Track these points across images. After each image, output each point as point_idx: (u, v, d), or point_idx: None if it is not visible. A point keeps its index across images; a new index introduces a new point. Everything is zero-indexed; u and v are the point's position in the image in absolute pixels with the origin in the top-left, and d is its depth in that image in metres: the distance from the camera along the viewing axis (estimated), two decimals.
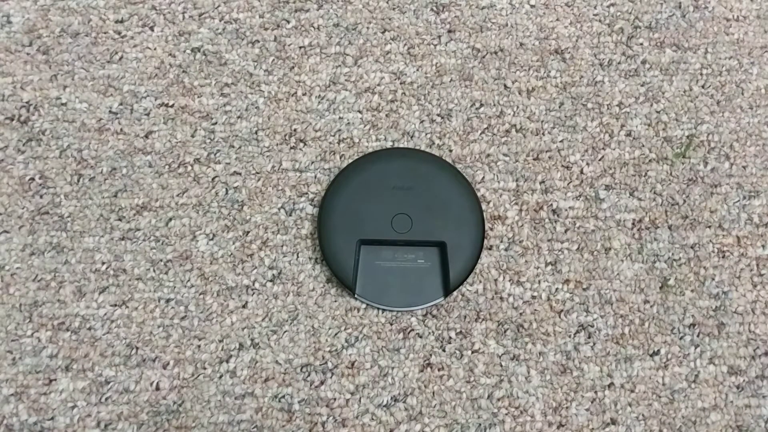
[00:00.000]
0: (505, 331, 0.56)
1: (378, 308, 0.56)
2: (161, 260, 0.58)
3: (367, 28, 0.65)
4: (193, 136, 0.61)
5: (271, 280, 0.57)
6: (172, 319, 0.56)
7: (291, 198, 0.59)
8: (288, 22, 0.65)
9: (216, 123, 0.62)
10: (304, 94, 0.63)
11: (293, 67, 0.64)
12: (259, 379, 0.54)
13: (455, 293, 0.56)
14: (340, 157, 0.61)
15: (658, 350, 0.55)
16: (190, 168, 0.60)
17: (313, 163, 0.60)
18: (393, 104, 0.62)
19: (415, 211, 0.57)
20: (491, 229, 0.58)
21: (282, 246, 0.58)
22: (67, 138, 0.61)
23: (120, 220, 0.59)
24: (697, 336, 0.55)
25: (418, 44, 0.64)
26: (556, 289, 0.57)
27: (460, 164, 0.60)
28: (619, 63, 0.64)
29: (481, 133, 0.61)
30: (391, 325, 0.56)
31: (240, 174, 0.60)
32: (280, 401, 0.54)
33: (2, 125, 0.62)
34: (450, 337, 0.55)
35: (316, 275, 0.57)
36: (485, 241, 0.57)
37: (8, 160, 0.61)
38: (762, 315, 0.56)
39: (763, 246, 0.58)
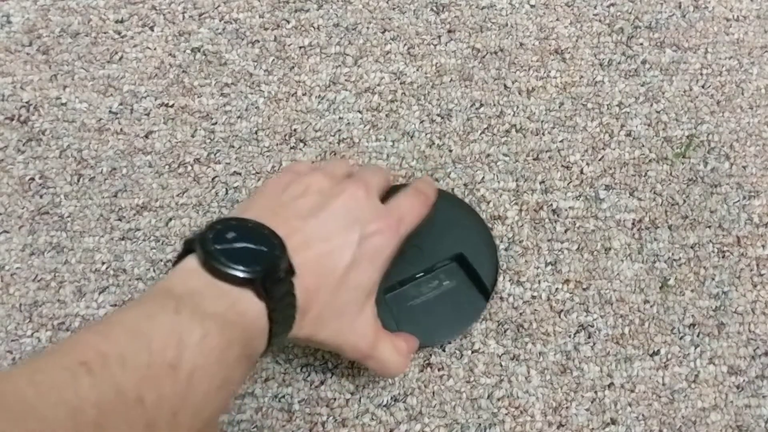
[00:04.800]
0: (505, 331, 0.55)
1: (431, 347, 0.54)
2: (161, 260, 0.58)
3: (367, 28, 0.65)
4: (193, 136, 0.61)
5: None
6: None
7: None
8: (288, 22, 0.65)
9: (216, 123, 0.62)
10: (304, 94, 0.63)
11: (293, 67, 0.64)
12: (259, 379, 0.54)
13: (492, 293, 0.55)
14: (340, 158, 0.61)
15: (658, 350, 0.55)
16: (190, 168, 0.60)
17: (313, 163, 0.60)
18: (393, 104, 0.62)
19: (420, 238, 0.52)
20: (491, 229, 0.58)
21: None
22: (67, 138, 0.61)
23: (120, 220, 0.59)
24: (697, 336, 0.55)
25: (418, 44, 0.64)
26: (556, 289, 0.57)
27: (460, 164, 0.60)
28: (619, 63, 0.64)
29: (481, 133, 0.61)
30: None
31: (240, 174, 0.60)
32: (280, 401, 0.54)
33: (2, 125, 0.62)
34: None
35: None
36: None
37: (8, 160, 0.61)
38: (762, 315, 0.56)
39: (763, 246, 0.58)
